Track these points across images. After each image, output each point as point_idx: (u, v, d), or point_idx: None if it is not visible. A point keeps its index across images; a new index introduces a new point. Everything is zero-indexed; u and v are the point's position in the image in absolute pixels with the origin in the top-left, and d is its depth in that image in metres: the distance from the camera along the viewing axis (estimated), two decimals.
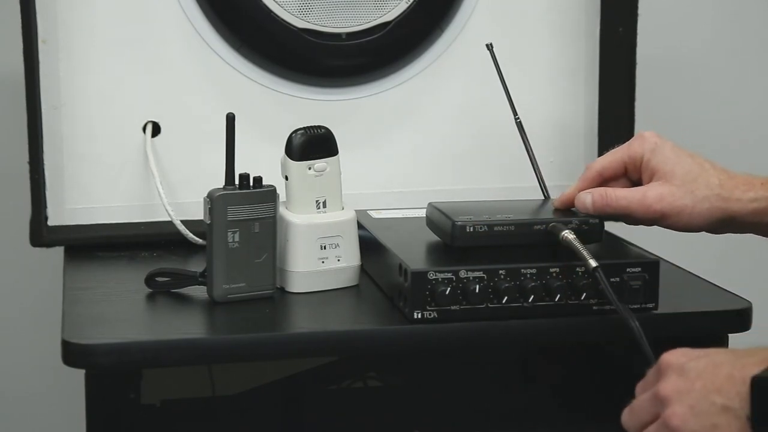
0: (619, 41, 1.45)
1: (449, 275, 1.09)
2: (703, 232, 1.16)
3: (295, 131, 1.20)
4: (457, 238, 1.13)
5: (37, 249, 1.35)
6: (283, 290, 1.20)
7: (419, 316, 1.09)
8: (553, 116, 1.48)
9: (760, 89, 1.88)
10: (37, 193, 1.33)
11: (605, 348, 1.30)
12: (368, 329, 1.12)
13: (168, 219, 1.33)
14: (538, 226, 1.14)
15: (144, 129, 1.38)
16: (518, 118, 1.33)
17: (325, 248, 1.20)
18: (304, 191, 1.20)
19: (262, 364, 1.39)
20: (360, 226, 1.24)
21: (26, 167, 1.33)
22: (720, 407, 0.90)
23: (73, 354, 1.05)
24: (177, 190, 1.38)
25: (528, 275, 1.11)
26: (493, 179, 1.47)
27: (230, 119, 1.15)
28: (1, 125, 1.66)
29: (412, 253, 1.15)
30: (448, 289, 1.09)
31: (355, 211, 1.23)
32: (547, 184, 1.31)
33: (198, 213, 1.19)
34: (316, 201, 1.20)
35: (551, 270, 1.11)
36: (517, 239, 1.14)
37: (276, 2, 1.36)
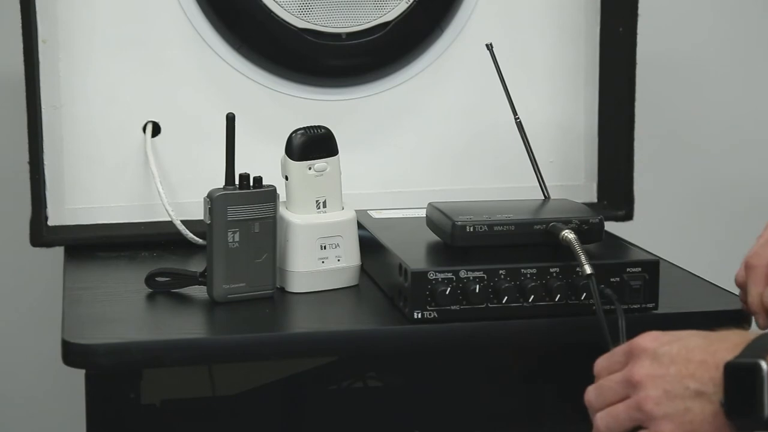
0: (619, 41, 1.45)
1: (449, 275, 1.09)
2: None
3: (295, 131, 1.20)
4: (457, 238, 1.13)
5: (37, 249, 1.35)
6: (283, 290, 1.20)
7: (419, 316, 1.09)
8: (553, 116, 1.48)
9: (761, 89, 1.88)
10: (37, 193, 1.33)
11: (605, 348, 1.30)
12: (368, 329, 1.12)
13: (168, 219, 1.33)
14: (538, 226, 1.14)
15: (144, 129, 1.38)
16: (518, 118, 1.33)
17: (325, 248, 1.20)
18: (304, 191, 1.20)
19: (262, 364, 1.38)
20: (360, 226, 1.24)
21: (26, 167, 1.33)
22: (693, 392, 0.91)
23: (73, 354, 1.05)
24: (177, 190, 1.38)
25: (528, 275, 1.11)
26: (493, 179, 1.47)
27: (230, 119, 1.15)
28: (1, 125, 1.66)
29: (412, 253, 1.15)
30: (448, 289, 1.09)
31: (355, 211, 1.23)
32: (547, 184, 1.31)
33: (198, 213, 1.19)
34: (316, 201, 1.20)
35: (551, 270, 1.11)
36: (517, 239, 1.14)
37: (276, 2, 1.36)
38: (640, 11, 1.44)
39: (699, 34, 1.85)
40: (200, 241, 1.31)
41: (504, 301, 1.10)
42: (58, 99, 1.35)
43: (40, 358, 1.72)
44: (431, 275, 1.09)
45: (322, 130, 1.20)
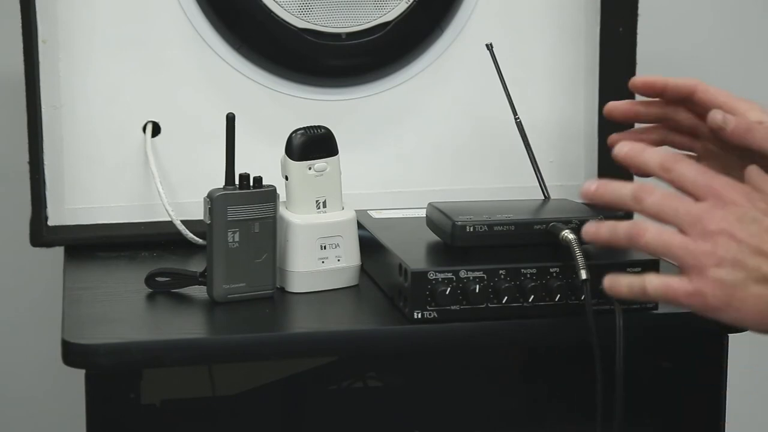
0: (619, 41, 1.45)
1: (449, 275, 1.09)
2: None
3: (295, 131, 1.20)
4: (457, 238, 1.13)
5: (37, 249, 1.35)
6: (283, 290, 1.20)
7: (419, 316, 1.09)
8: (553, 116, 1.48)
9: (761, 89, 1.88)
10: (37, 193, 1.33)
11: (605, 348, 1.30)
12: (368, 329, 1.12)
13: (168, 219, 1.33)
14: (538, 226, 1.14)
15: (144, 129, 1.38)
16: (518, 118, 1.33)
17: (325, 248, 1.20)
18: (304, 191, 1.20)
19: (262, 364, 1.39)
20: (360, 226, 1.25)
21: (26, 167, 1.33)
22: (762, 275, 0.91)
23: (73, 354, 1.05)
24: (177, 190, 1.38)
25: (528, 275, 1.11)
26: (493, 179, 1.47)
27: (230, 119, 1.15)
28: (1, 125, 1.66)
29: (412, 253, 1.15)
30: (448, 289, 1.09)
31: (355, 211, 1.23)
32: (547, 184, 1.32)
33: (198, 213, 1.19)
34: (316, 201, 1.20)
35: (551, 270, 1.11)
36: (517, 239, 1.14)
37: (276, 2, 1.36)
38: (640, 11, 1.44)
39: (699, 34, 1.85)
40: (200, 241, 1.31)
41: (504, 301, 1.10)
42: (58, 99, 1.35)
43: (40, 358, 1.72)
44: (431, 275, 1.09)
45: (322, 130, 1.20)
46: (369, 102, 1.43)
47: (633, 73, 1.45)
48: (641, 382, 1.27)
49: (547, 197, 1.30)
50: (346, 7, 1.38)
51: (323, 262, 1.20)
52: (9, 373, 1.77)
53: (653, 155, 1.00)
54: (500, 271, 1.10)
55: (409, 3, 1.39)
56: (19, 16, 1.30)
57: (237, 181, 1.15)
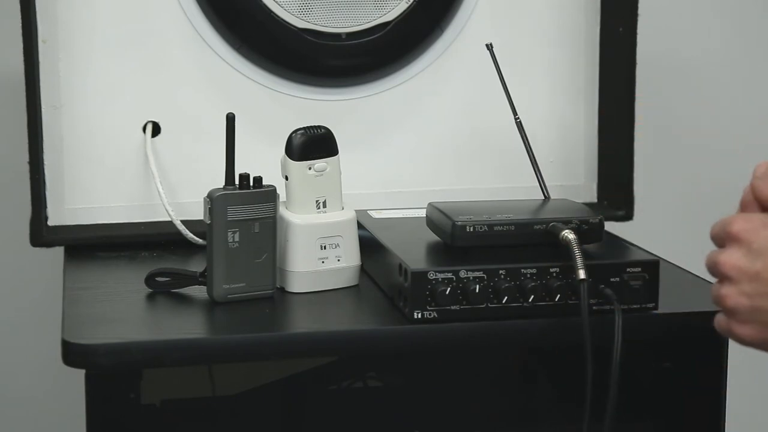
0: (619, 41, 1.45)
1: (449, 275, 1.09)
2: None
3: (295, 131, 1.20)
4: (457, 238, 1.13)
5: (37, 249, 1.35)
6: (283, 290, 1.20)
7: (419, 316, 1.09)
8: (553, 116, 1.48)
9: (761, 89, 1.88)
10: (37, 193, 1.33)
11: (605, 348, 1.30)
12: (368, 329, 1.12)
13: (168, 219, 1.33)
14: (538, 226, 1.14)
15: (144, 129, 1.38)
16: (518, 118, 1.33)
17: (325, 248, 1.20)
18: (304, 191, 1.20)
19: (262, 364, 1.39)
20: (360, 226, 1.25)
21: (26, 167, 1.33)
22: None
23: (73, 354, 1.05)
24: (177, 190, 1.38)
25: (528, 275, 1.11)
26: (493, 179, 1.47)
27: (230, 119, 1.15)
28: (1, 125, 1.66)
29: (412, 253, 1.15)
30: (448, 289, 1.09)
31: (355, 211, 1.23)
32: (547, 184, 1.31)
33: (198, 213, 1.19)
34: (316, 201, 1.20)
35: (551, 270, 1.11)
36: (517, 239, 1.14)
37: (276, 2, 1.36)
38: (640, 11, 1.44)
39: (699, 34, 1.85)
40: (200, 241, 1.31)
41: (504, 301, 1.10)
42: (58, 99, 1.35)
43: (40, 358, 1.72)
44: (431, 275, 1.09)
45: (322, 130, 1.20)
46: (369, 102, 1.43)
47: (633, 73, 1.45)
48: (642, 383, 1.27)
49: (547, 197, 1.30)
50: (346, 7, 1.38)
51: (323, 262, 1.20)
52: (9, 373, 1.77)
53: None
54: (500, 271, 1.10)
55: (409, 3, 1.39)
56: (19, 16, 1.30)
57: (237, 181, 1.15)
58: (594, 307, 1.11)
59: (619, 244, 1.31)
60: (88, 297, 1.19)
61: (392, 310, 1.14)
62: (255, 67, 1.40)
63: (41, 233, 1.34)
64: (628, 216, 1.48)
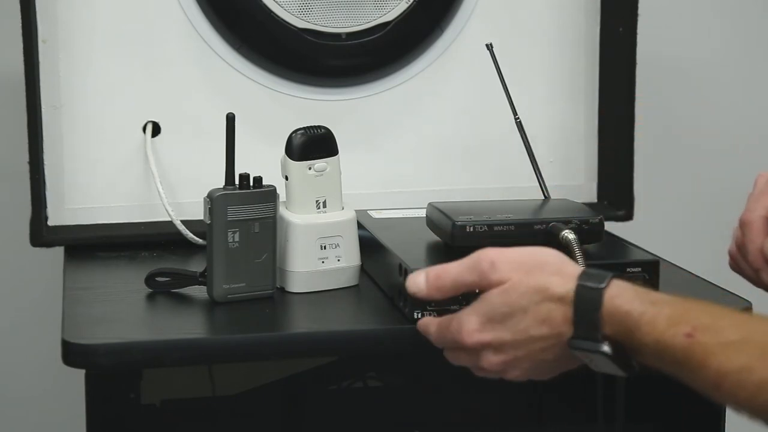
0: (619, 41, 1.45)
1: None
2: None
3: (295, 131, 1.20)
4: (457, 238, 1.13)
5: (37, 249, 1.35)
6: (283, 290, 1.20)
7: (419, 316, 1.09)
8: (553, 116, 1.48)
9: (761, 89, 1.88)
10: (37, 193, 1.33)
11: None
12: (368, 329, 1.12)
13: (168, 219, 1.33)
14: (538, 226, 1.14)
15: (144, 129, 1.38)
16: (518, 118, 1.33)
17: (325, 248, 1.20)
18: (304, 191, 1.20)
19: (262, 364, 1.39)
20: (360, 226, 1.24)
21: (26, 167, 1.33)
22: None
23: (73, 354, 1.05)
24: (177, 190, 1.38)
25: None
26: (493, 179, 1.47)
27: (230, 119, 1.15)
28: (1, 125, 1.66)
29: (412, 253, 1.15)
30: None
31: (355, 211, 1.23)
32: (547, 184, 1.31)
33: (198, 213, 1.19)
34: (316, 201, 1.20)
35: None
36: (517, 239, 1.14)
37: (276, 2, 1.36)
38: (640, 11, 1.44)
39: (699, 35, 1.85)
40: (200, 241, 1.31)
41: None
42: (58, 99, 1.35)
43: (40, 358, 1.72)
44: None
45: (322, 130, 1.20)
46: (369, 102, 1.43)
47: (633, 73, 1.45)
48: (641, 384, 1.27)
49: (547, 197, 1.30)
50: (346, 7, 1.38)
51: (323, 262, 1.20)
52: (9, 373, 1.77)
53: None
54: None
55: (409, 3, 1.39)
56: (19, 16, 1.30)
57: (237, 181, 1.15)
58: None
59: (619, 244, 1.31)
60: (88, 297, 1.19)
61: (392, 310, 1.14)
62: (255, 67, 1.40)
63: (41, 233, 1.34)
64: (628, 216, 1.48)
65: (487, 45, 1.35)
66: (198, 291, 1.18)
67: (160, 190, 1.33)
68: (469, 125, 1.46)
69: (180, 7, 1.37)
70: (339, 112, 1.42)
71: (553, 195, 1.32)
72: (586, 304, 0.92)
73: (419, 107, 1.45)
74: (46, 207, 1.35)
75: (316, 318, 1.16)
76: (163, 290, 1.19)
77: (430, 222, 1.20)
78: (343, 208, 1.22)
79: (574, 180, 1.49)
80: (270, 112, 1.41)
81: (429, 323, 1.02)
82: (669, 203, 1.86)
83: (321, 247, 1.20)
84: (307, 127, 1.20)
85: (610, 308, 0.91)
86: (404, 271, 1.11)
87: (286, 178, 1.20)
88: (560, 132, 1.49)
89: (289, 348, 1.10)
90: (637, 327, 0.89)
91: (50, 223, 1.36)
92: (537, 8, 1.46)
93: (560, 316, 0.93)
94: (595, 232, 1.15)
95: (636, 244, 1.31)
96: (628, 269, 1.12)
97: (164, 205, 1.33)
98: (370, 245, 1.23)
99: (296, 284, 1.20)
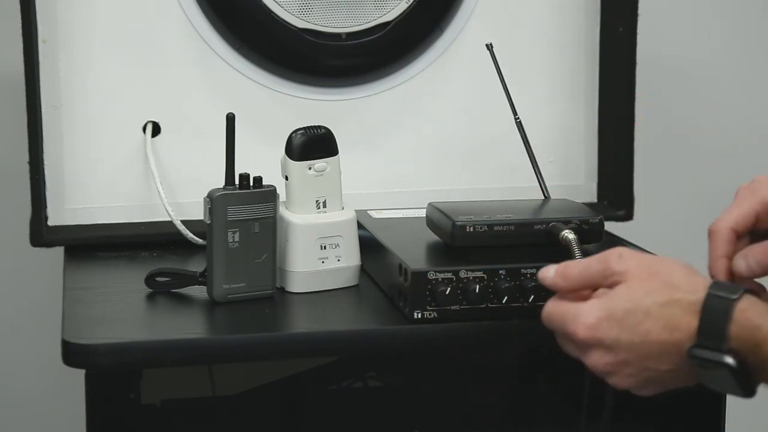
0: (619, 41, 1.45)
1: (449, 275, 1.09)
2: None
3: (295, 131, 1.20)
4: (457, 238, 1.13)
5: (37, 249, 1.35)
6: (283, 290, 1.20)
7: (419, 316, 1.09)
8: (553, 116, 1.48)
9: (761, 89, 1.88)
10: (37, 193, 1.33)
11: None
12: (368, 329, 1.12)
13: (168, 219, 1.33)
14: (538, 226, 1.14)
15: (144, 129, 1.38)
16: (518, 118, 1.33)
17: (325, 248, 1.20)
18: (304, 191, 1.20)
19: (262, 364, 1.38)
20: (360, 226, 1.24)
21: (26, 167, 1.33)
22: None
23: (73, 354, 1.05)
24: (177, 190, 1.38)
25: (528, 275, 1.11)
26: (493, 179, 1.47)
27: (230, 119, 1.15)
28: (1, 125, 1.66)
29: (412, 253, 1.15)
30: (448, 289, 1.09)
31: (355, 211, 1.23)
32: (547, 184, 1.32)
33: (198, 213, 1.19)
34: (316, 201, 1.20)
35: None
36: (517, 239, 1.14)
37: (276, 2, 1.36)
38: (640, 11, 1.44)
39: (699, 35, 1.85)
40: (200, 241, 1.31)
41: (504, 301, 1.10)
42: (58, 99, 1.35)
43: (40, 358, 1.72)
44: (431, 275, 1.09)
45: (322, 130, 1.20)
46: (369, 102, 1.43)
47: (633, 73, 1.45)
48: None
49: (547, 197, 1.30)
50: (346, 7, 1.38)
51: (323, 262, 1.20)
52: (9, 373, 1.77)
53: None
54: (500, 271, 1.10)
55: (409, 3, 1.39)
56: (19, 16, 1.30)
57: (237, 181, 1.15)
58: None
59: (619, 244, 1.31)
60: (88, 297, 1.19)
61: (392, 310, 1.14)
62: (255, 67, 1.40)
63: (41, 233, 1.34)
64: (628, 216, 1.48)
65: (487, 45, 1.35)
66: (198, 291, 1.18)
67: (160, 190, 1.33)
68: (469, 125, 1.46)
69: (180, 7, 1.37)
70: (339, 112, 1.42)
71: (553, 195, 1.32)
72: (715, 313, 0.90)
73: (419, 107, 1.45)
74: (46, 207, 1.35)
75: (316, 318, 1.16)
76: (163, 290, 1.19)
77: (430, 222, 1.20)
78: (343, 208, 1.22)
79: (574, 180, 1.49)
80: (270, 112, 1.41)
81: (552, 283, 1.01)
82: (669, 203, 1.86)
83: (321, 247, 1.20)
84: (307, 127, 1.20)
85: (741, 320, 0.90)
86: (404, 271, 1.11)
87: (286, 178, 1.20)
88: (560, 132, 1.49)
89: (289, 348, 1.10)
90: (765, 342, 0.88)
91: (50, 223, 1.36)
92: (537, 8, 1.46)
93: (684, 323, 0.92)
94: (595, 232, 1.15)
95: (636, 244, 1.31)
96: None
97: (164, 205, 1.33)
98: (370, 245, 1.23)
99: (296, 284, 1.20)
